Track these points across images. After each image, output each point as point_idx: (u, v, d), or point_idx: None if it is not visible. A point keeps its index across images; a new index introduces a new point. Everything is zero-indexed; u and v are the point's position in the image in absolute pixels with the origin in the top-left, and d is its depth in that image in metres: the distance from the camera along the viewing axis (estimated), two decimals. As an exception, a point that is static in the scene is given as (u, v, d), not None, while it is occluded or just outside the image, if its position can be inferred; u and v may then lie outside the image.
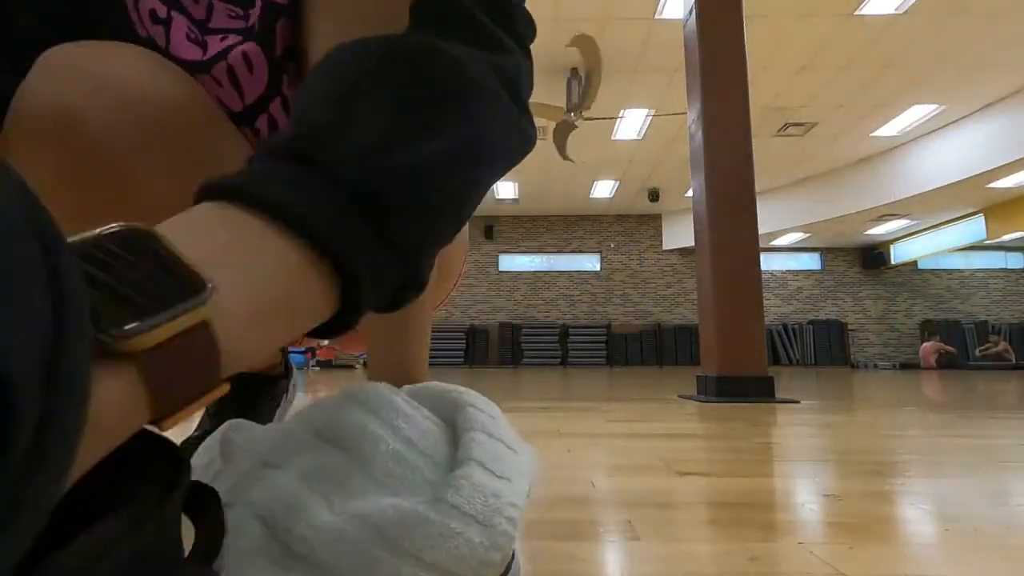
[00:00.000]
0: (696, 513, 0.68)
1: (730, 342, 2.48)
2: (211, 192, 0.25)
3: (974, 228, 8.99)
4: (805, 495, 0.77)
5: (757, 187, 2.63)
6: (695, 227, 2.73)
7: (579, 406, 2.15)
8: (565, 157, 6.40)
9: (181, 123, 0.47)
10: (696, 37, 2.65)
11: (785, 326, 10.95)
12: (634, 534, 0.59)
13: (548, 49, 5.41)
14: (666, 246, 11.34)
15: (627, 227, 11.43)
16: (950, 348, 9.22)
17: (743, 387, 2.41)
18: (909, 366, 9.51)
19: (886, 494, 0.77)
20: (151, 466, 0.21)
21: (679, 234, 10.97)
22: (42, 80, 0.42)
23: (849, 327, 11.00)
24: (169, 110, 0.46)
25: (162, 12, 0.49)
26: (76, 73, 0.42)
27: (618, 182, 9.72)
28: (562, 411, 1.97)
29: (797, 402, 2.32)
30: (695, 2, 2.67)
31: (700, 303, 2.70)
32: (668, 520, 0.64)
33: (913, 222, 9.54)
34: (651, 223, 11.39)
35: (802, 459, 1.05)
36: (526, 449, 0.35)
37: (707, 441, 1.28)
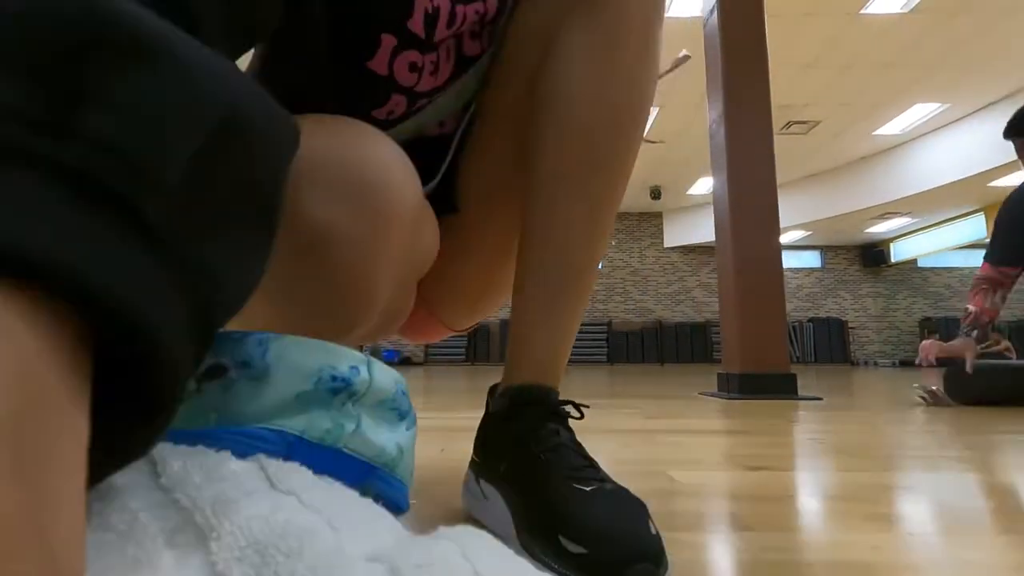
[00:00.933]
0: (791, 505, 0.69)
1: (753, 340, 2.50)
2: None
3: (974, 226, 9.06)
4: (887, 488, 0.79)
5: (760, 184, 2.63)
6: (716, 225, 2.75)
7: (607, 403, 2.16)
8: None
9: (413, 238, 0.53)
10: (718, 35, 2.66)
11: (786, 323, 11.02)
12: (745, 524, 0.60)
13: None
14: (667, 244, 11.36)
15: (628, 225, 11.45)
16: (949, 346, 9.26)
17: (766, 384, 2.43)
18: (908, 364, 9.59)
19: (961, 487, 0.79)
20: None
21: (680, 232, 11.00)
22: (328, 193, 0.43)
23: (849, 325, 11.07)
24: (415, 225, 0.52)
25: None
26: (359, 195, 0.44)
27: (620, 180, 9.73)
28: (594, 408, 1.98)
29: (820, 399, 2.34)
30: (717, 0, 2.69)
31: (721, 301, 2.72)
32: (769, 512, 0.65)
33: (913, 220, 9.60)
34: (652, 221, 11.42)
35: (860, 454, 1.07)
36: None
37: (755, 437, 1.29)
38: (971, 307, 2.14)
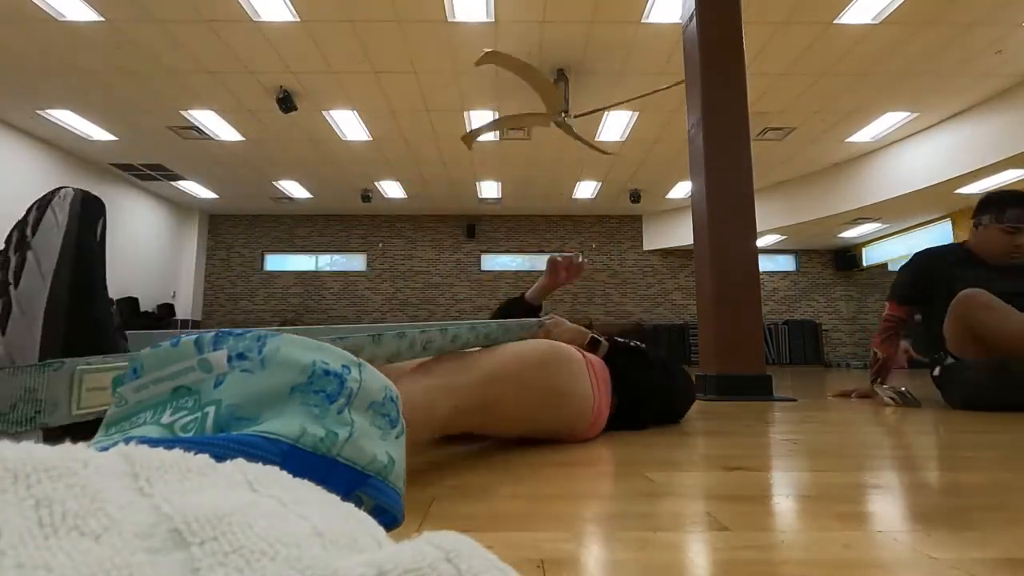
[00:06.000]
0: (766, 505, 0.70)
1: (729, 342, 2.54)
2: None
3: (941, 232, 9.31)
4: (858, 487, 0.80)
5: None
6: (694, 228, 2.78)
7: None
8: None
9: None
10: (696, 42, 2.70)
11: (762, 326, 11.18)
12: (721, 524, 0.61)
13: (535, 52, 5.43)
14: (647, 247, 11.47)
15: (608, 228, 11.53)
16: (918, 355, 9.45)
17: (742, 386, 2.47)
18: (879, 365, 9.78)
19: (930, 486, 0.81)
20: None
21: (659, 235, 11.12)
22: None
23: (823, 327, 11.29)
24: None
25: None
26: None
27: (600, 183, 9.80)
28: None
29: (794, 400, 2.38)
30: (695, 8, 2.73)
31: (699, 304, 2.75)
32: (745, 512, 0.66)
33: (884, 225, 9.84)
34: (632, 224, 11.52)
35: (832, 454, 1.09)
36: None
37: (731, 438, 1.31)
38: (880, 353, 2.32)
